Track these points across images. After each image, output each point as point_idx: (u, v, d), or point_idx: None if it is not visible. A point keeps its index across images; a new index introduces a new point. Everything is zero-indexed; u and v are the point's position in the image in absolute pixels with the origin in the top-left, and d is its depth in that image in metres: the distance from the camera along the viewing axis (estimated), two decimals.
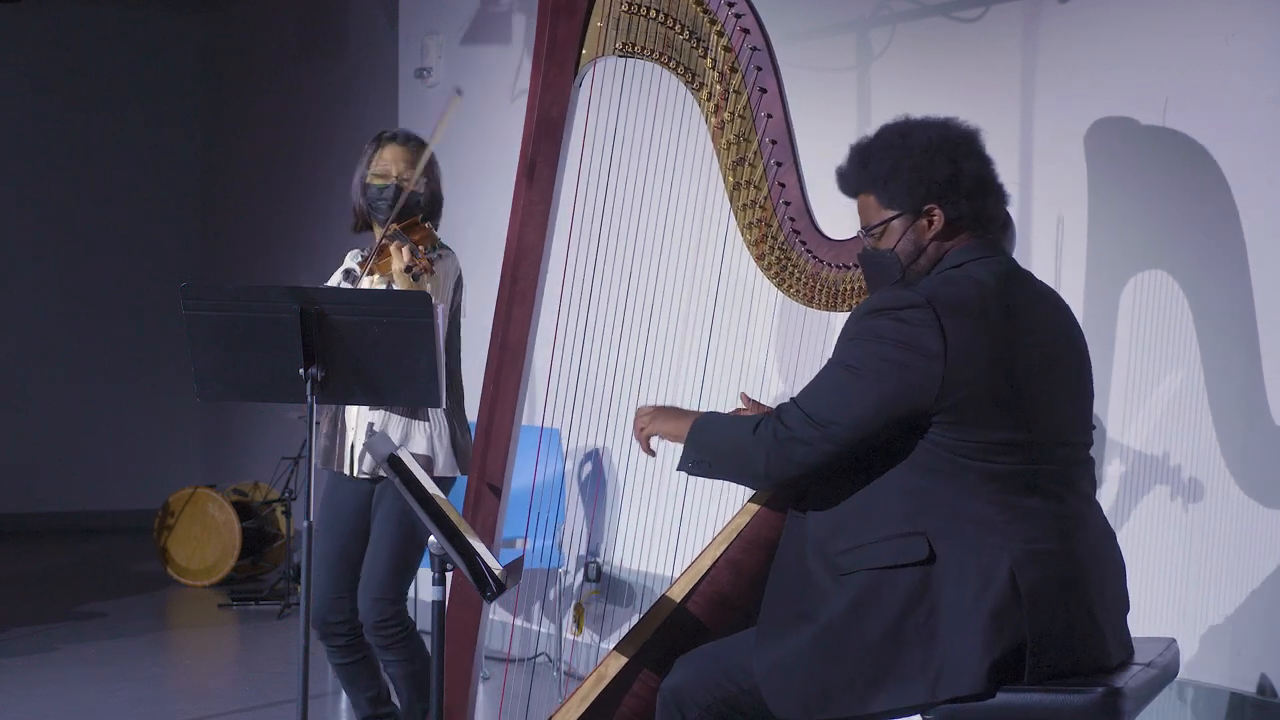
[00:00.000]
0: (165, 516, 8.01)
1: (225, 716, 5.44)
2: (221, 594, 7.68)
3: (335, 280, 4.30)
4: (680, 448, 3.08)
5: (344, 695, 4.42)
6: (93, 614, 7.21)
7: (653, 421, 3.15)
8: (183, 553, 7.97)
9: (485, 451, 3.49)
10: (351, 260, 4.31)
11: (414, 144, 4.28)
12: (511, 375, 3.47)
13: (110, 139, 10.04)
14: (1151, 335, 4.28)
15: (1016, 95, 4.59)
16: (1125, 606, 3.02)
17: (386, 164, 4.24)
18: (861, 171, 2.98)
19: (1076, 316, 3.06)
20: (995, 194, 2.96)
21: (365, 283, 4.19)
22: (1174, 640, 3.19)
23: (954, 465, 2.80)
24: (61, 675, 5.98)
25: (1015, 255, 4.48)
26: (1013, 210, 4.53)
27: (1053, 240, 4.50)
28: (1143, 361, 4.30)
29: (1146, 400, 4.30)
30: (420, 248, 4.04)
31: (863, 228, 3.01)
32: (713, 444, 3.00)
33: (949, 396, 2.78)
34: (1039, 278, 3.07)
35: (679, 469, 3.06)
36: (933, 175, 2.90)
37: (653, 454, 3.20)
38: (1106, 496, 4.34)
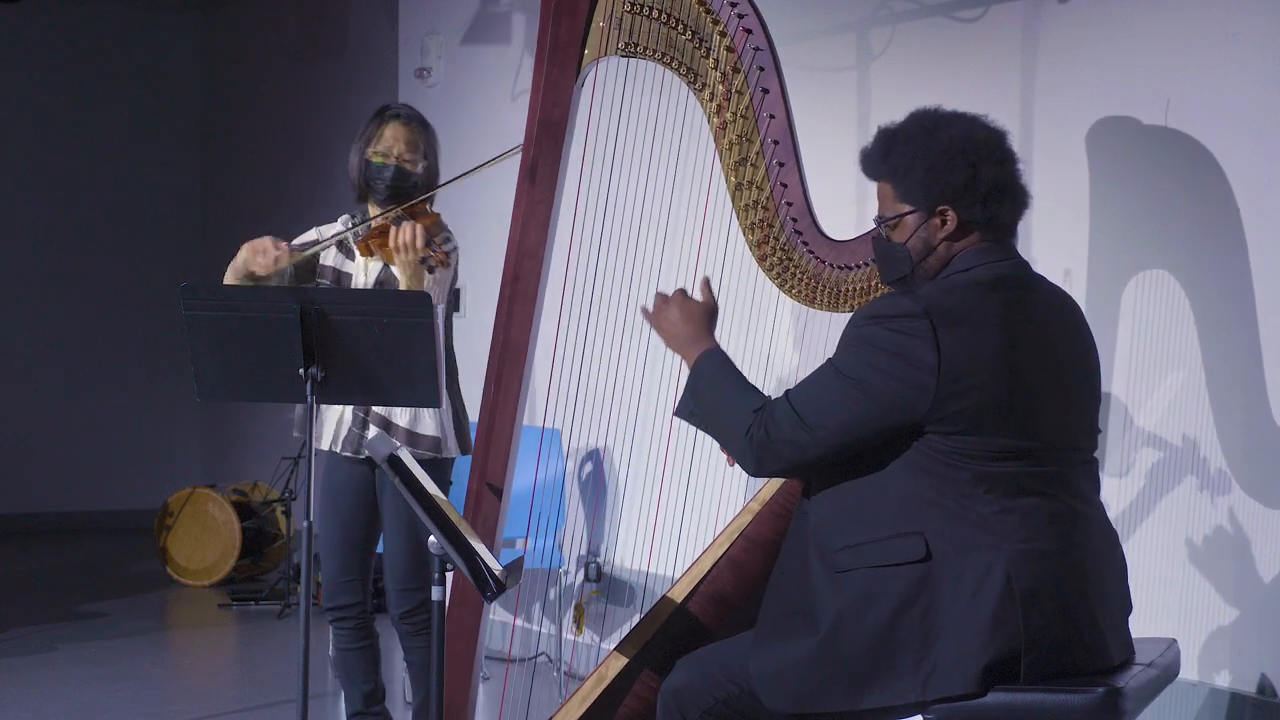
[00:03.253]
0: (165, 516, 8.01)
1: (225, 716, 5.44)
2: (221, 594, 7.69)
3: (313, 235, 4.26)
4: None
5: (343, 695, 4.42)
6: (93, 614, 7.21)
7: (663, 324, 3.13)
8: (183, 553, 7.97)
9: (486, 453, 3.47)
10: (343, 225, 4.28)
11: (416, 123, 4.25)
12: (513, 375, 3.45)
13: (110, 138, 10.04)
14: (1152, 335, 4.28)
15: (1016, 95, 4.59)
16: (1127, 608, 3.01)
17: (388, 143, 4.21)
18: (882, 160, 2.96)
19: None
20: (1013, 198, 2.93)
21: (361, 263, 4.20)
22: (1175, 640, 3.19)
23: (951, 467, 2.80)
24: (61, 675, 5.98)
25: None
26: None
27: (1053, 240, 4.50)
28: (1143, 361, 4.30)
29: (1148, 400, 4.30)
30: (434, 237, 4.02)
31: (878, 215, 3.00)
32: (712, 409, 2.98)
33: (943, 408, 2.78)
34: (1048, 279, 3.07)
35: (675, 413, 3.06)
36: (949, 178, 2.88)
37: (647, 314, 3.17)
38: (1108, 497, 4.34)
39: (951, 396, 2.77)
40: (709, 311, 3.15)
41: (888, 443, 2.83)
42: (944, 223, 2.91)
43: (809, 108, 5.08)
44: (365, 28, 8.54)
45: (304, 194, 9.00)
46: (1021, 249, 4.54)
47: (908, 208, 2.93)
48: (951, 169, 2.88)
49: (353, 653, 4.30)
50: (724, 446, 3.04)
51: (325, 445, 4.24)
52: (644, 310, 3.21)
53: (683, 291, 3.17)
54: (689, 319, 3.12)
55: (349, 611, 4.26)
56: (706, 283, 3.21)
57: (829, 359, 2.91)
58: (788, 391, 2.93)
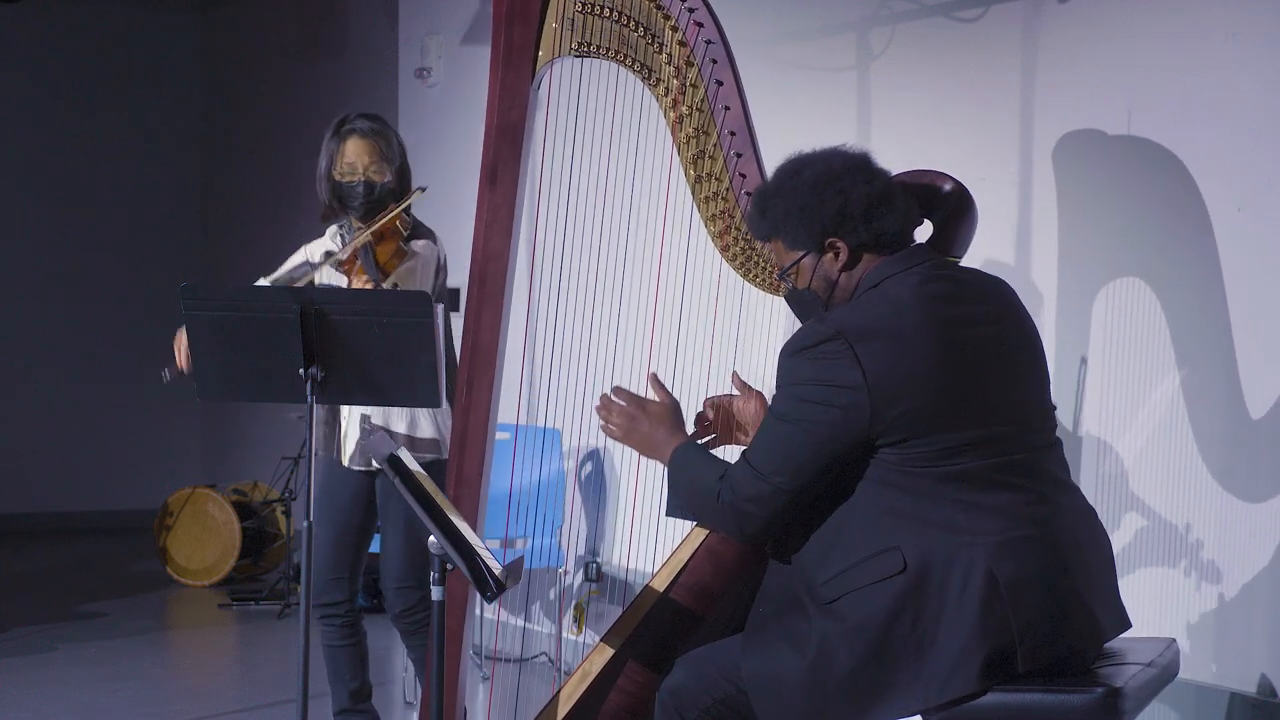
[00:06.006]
0: (165, 516, 8.01)
1: (225, 716, 5.45)
2: (221, 594, 7.69)
3: (301, 256, 4.28)
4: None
5: (330, 693, 4.42)
6: (93, 614, 7.21)
7: (633, 435, 3.18)
8: (183, 553, 7.97)
9: (461, 455, 3.49)
10: (333, 240, 4.31)
11: (375, 133, 4.25)
12: (484, 379, 3.47)
13: (110, 139, 10.03)
14: (1139, 337, 4.28)
15: (1016, 95, 4.59)
16: (1114, 580, 3.03)
17: (352, 159, 4.23)
18: (761, 219, 3.05)
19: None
20: (893, 209, 2.98)
21: (337, 278, 4.22)
22: (1174, 640, 3.19)
23: (910, 476, 2.84)
24: (61, 675, 5.98)
25: (1015, 255, 4.53)
26: (1012, 210, 4.56)
27: (1053, 241, 4.50)
28: (1139, 361, 4.31)
29: (1145, 402, 4.30)
30: (379, 271, 4.08)
31: (778, 271, 3.07)
32: (690, 496, 3.04)
33: (884, 418, 2.82)
34: (982, 269, 3.10)
35: (667, 514, 3.11)
36: (823, 211, 2.96)
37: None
38: (1101, 500, 4.34)
39: (888, 405, 2.81)
40: (673, 410, 3.20)
41: (848, 466, 2.88)
42: (836, 255, 2.98)
43: (809, 108, 5.10)
44: (365, 28, 8.54)
45: (304, 194, 8.96)
46: (1022, 247, 4.58)
47: (800, 253, 3.01)
48: (822, 201, 2.96)
49: (340, 649, 4.33)
50: (714, 528, 3.09)
51: (346, 462, 4.28)
52: (599, 410, 3.23)
53: (633, 395, 3.20)
54: (659, 423, 3.17)
55: (337, 609, 4.30)
56: (655, 379, 3.26)
57: (769, 408, 2.96)
58: (744, 451, 2.99)
